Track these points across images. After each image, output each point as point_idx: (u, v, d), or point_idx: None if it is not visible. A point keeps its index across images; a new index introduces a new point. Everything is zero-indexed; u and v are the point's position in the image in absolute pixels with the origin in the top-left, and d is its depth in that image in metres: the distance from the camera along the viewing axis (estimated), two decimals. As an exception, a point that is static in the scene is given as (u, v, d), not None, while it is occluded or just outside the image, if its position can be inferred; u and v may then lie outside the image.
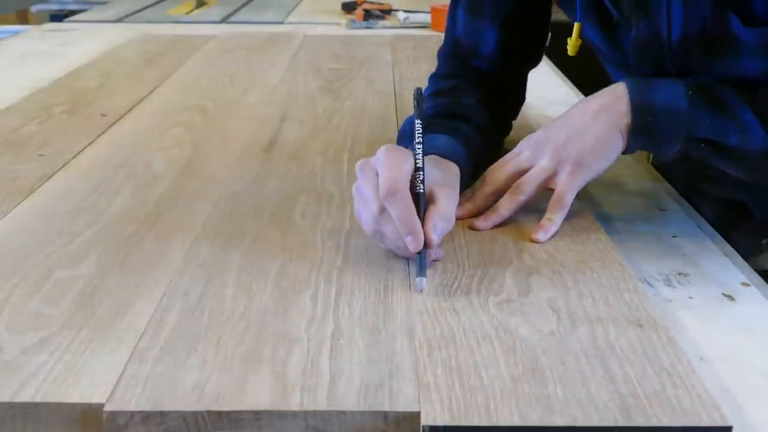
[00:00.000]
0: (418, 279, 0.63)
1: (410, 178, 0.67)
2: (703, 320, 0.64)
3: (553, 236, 0.72)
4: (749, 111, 0.73)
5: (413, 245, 0.64)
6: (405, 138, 0.82)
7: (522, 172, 0.76)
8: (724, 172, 0.78)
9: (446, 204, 0.68)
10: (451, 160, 0.75)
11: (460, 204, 0.75)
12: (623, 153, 0.76)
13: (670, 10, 0.76)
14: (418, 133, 0.70)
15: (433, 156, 0.74)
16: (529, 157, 0.77)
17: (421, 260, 0.64)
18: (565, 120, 0.77)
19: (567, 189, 0.74)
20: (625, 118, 0.74)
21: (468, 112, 0.86)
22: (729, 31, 0.74)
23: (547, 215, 0.73)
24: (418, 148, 0.69)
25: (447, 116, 0.85)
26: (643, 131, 0.73)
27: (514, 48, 0.93)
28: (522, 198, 0.75)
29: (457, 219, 0.73)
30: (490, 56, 0.92)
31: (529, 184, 0.75)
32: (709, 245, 0.78)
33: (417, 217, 0.65)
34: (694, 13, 0.75)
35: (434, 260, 0.67)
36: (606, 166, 0.75)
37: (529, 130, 0.95)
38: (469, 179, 0.79)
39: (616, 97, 0.75)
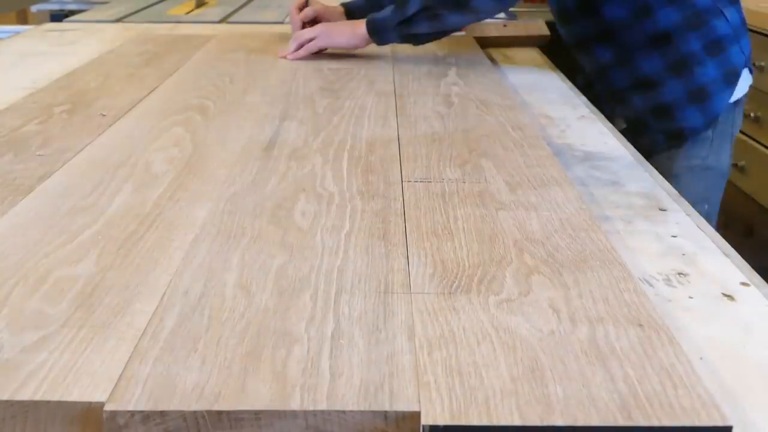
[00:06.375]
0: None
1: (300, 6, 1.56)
2: (703, 320, 0.65)
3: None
4: None
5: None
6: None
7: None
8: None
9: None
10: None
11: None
12: (378, 45, 1.49)
13: None
14: None
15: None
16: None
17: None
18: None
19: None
20: (362, 30, 1.46)
21: None
22: None
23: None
24: None
25: None
26: (372, 33, 1.45)
27: None
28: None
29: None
30: None
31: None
32: (709, 245, 0.78)
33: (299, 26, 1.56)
34: None
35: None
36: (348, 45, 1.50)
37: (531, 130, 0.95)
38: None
39: (357, 24, 1.48)
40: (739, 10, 1.37)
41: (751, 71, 1.39)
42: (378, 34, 1.44)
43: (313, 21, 1.60)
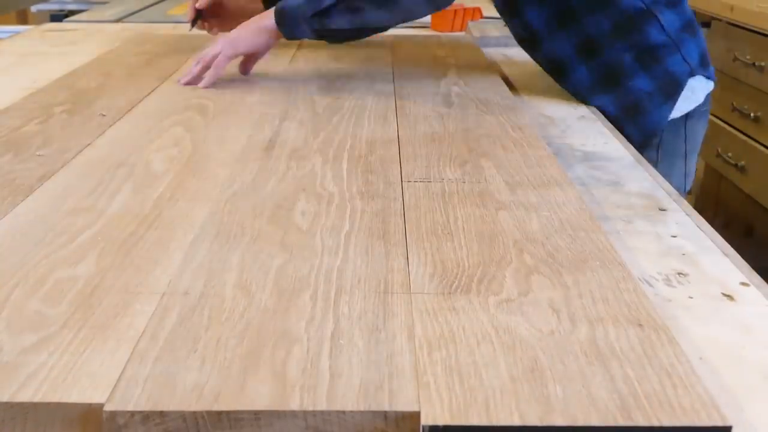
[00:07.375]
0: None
1: None
2: (703, 320, 0.65)
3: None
4: None
5: None
6: None
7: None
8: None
9: None
10: None
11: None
12: (287, 39, 1.26)
13: None
14: None
15: None
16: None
17: None
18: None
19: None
20: (269, 21, 1.24)
21: None
22: None
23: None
24: None
25: None
26: (281, 25, 1.23)
27: None
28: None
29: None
30: None
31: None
32: (709, 245, 0.78)
33: None
34: None
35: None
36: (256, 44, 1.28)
37: (530, 129, 0.94)
38: None
39: (264, 15, 1.26)
40: (680, 12, 1.24)
41: (709, 77, 1.27)
42: (287, 25, 1.23)
43: (214, 8, 1.48)
